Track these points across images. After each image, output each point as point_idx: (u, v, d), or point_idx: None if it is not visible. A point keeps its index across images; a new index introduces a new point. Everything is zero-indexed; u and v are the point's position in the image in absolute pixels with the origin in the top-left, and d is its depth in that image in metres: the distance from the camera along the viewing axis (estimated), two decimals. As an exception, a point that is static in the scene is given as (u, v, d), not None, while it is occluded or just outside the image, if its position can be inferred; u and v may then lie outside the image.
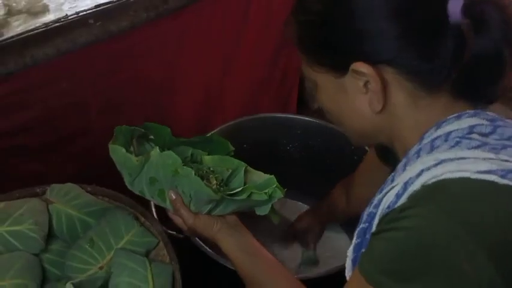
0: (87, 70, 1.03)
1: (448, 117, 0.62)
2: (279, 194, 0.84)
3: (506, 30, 0.60)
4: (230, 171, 0.88)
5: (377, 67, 0.62)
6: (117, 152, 0.83)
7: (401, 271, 0.54)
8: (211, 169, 0.87)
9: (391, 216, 0.58)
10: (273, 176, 0.87)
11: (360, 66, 0.62)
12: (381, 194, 0.63)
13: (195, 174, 0.77)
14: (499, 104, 0.67)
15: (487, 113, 0.63)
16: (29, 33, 0.92)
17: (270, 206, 0.85)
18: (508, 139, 0.59)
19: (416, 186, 0.57)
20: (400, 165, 0.63)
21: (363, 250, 0.64)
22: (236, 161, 0.90)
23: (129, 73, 1.10)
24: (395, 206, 0.58)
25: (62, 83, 1.00)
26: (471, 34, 0.58)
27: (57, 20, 0.95)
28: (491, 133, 0.60)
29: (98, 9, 0.99)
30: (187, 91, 1.25)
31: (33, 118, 1.00)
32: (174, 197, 0.81)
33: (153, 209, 0.99)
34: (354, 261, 0.65)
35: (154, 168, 0.79)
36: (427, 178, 0.56)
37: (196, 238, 0.96)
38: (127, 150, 0.82)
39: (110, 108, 1.11)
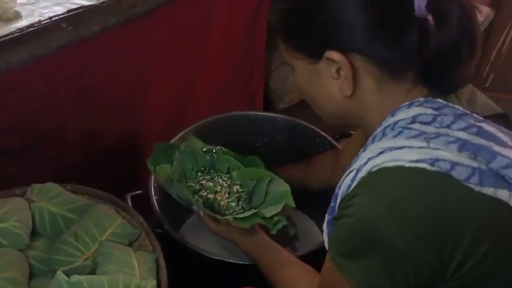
0: (60, 73, 1.06)
1: (401, 105, 0.68)
2: (282, 223, 0.96)
3: (466, 25, 0.65)
4: (254, 182, 1.03)
5: (348, 55, 0.67)
6: (151, 169, 1.05)
7: (350, 251, 0.64)
8: (238, 182, 1.04)
9: (344, 204, 0.66)
10: (288, 189, 1.01)
11: (333, 54, 0.67)
12: (343, 177, 0.69)
13: (203, 204, 0.97)
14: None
15: (438, 100, 0.67)
16: (3, 39, 0.94)
17: (284, 224, 0.97)
18: (447, 127, 0.65)
19: (363, 173, 0.64)
20: (361, 150, 0.70)
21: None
22: (261, 172, 1.06)
23: (101, 75, 1.13)
24: (350, 190, 0.66)
25: (36, 86, 1.03)
26: (434, 28, 0.63)
27: (31, 25, 0.97)
28: (431, 122, 0.65)
29: (70, 14, 1.02)
30: (158, 92, 1.29)
31: (9, 121, 1.02)
32: (197, 209, 1.00)
33: (130, 205, 1.04)
34: (329, 234, 0.72)
35: (177, 191, 1.00)
36: (371, 166, 0.63)
37: (174, 231, 1.04)
38: (161, 164, 1.04)
39: (83, 110, 1.14)
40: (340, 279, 0.64)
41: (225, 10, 1.36)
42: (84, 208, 0.93)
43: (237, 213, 0.98)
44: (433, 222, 0.60)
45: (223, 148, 1.10)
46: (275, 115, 1.34)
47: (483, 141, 0.63)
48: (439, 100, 0.68)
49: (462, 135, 0.64)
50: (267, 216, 0.97)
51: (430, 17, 0.64)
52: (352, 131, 1.18)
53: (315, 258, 0.85)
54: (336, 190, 0.70)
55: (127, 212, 0.96)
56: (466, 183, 0.60)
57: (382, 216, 0.60)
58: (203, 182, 1.04)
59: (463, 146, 0.62)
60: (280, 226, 0.96)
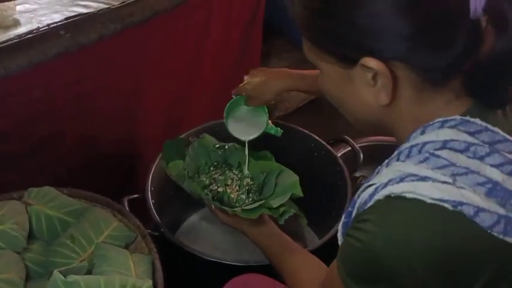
0: (58, 79, 1.08)
1: (435, 121, 0.62)
2: (289, 213, 0.99)
3: None
4: (265, 174, 1.07)
5: (389, 63, 0.60)
6: (163, 165, 1.09)
7: (358, 275, 0.62)
8: (248, 175, 1.08)
9: (355, 224, 0.63)
10: (296, 179, 1.04)
11: (370, 62, 0.60)
12: (364, 186, 0.65)
13: (213, 198, 1.00)
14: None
15: (476, 121, 0.61)
16: (2, 45, 0.96)
17: (291, 214, 1.00)
18: (480, 159, 0.59)
19: (380, 195, 0.60)
20: (385, 162, 0.66)
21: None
22: (271, 164, 1.09)
23: (99, 82, 1.15)
24: (367, 206, 0.62)
25: (34, 91, 1.05)
26: (491, 32, 0.57)
27: (30, 32, 0.99)
28: (463, 151, 0.59)
29: (68, 21, 1.04)
30: (155, 98, 1.31)
31: (8, 126, 1.03)
32: (208, 204, 1.00)
33: (127, 208, 1.05)
34: (343, 235, 0.70)
35: (189, 187, 1.04)
36: (389, 191, 0.59)
37: (170, 234, 1.06)
38: (173, 159, 1.08)
39: (81, 115, 1.16)
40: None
41: (220, 19, 1.38)
42: (81, 211, 0.94)
43: (246, 205, 1.00)
44: (445, 260, 0.57)
45: (235, 144, 1.14)
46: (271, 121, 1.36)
47: None
48: (478, 121, 0.60)
49: (495, 174, 0.58)
50: (274, 206, 0.99)
51: (486, 20, 0.58)
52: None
53: (323, 253, 0.88)
54: (355, 197, 0.67)
55: (123, 215, 0.97)
56: (489, 231, 0.56)
57: (389, 250, 0.57)
58: (215, 176, 1.08)
59: (492, 190, 0.57)
60: (287, 216, 0.98)
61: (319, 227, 1.26)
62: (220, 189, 1.05)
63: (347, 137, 1.33)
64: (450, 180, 0.57)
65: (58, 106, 1.09)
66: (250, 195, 1.05)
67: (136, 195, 1.13)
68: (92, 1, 1.12)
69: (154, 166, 1.17)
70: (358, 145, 1.35)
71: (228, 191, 1.05)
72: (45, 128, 1.09)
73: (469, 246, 0.57)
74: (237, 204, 1.02)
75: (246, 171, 1.10)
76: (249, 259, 1.17)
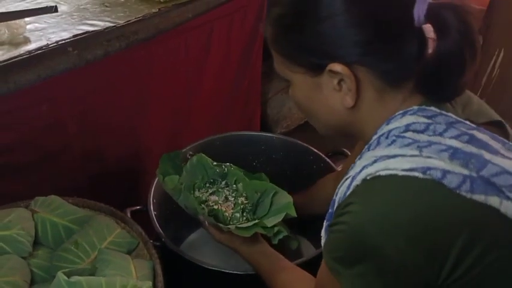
0: (65, 94, 1.13)
1: (396, 114, 0.68)
2: (283, 233, 1.01)
3: (465, 31, 0.65)
4: (259, 194, 1.09)
5: (351, 67, 0.67)
6: (160, 179, 1.10)
7: (345, 258, 0.65)
8: (243, 194, 1.10)
9: (338, 211, 0.67)
10: (291, 200, 1.07)
11: (336, 67, 0.67)
12: (340, 184, 0.70)
13: (210, 212, 1.02)
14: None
15: (431, 108, 0.68)
16: (13, 61, 1.01)
17: (285, 234, 1.02)
18: (439, 135, 0.65)
19: (358, 181, 0.65)
20: (357, 158, 0.71)
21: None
22: (266, 184, 1.11)
23: (104, 97, 1.20)
24: (346, 196, 0.66)
25: (42, 106, 1.09)
26: (434, 36, 0.64)
27: (39, 48, 1.04)
28: (424, 130, 0.66)
29: (76, 38, 1.09)
30: (157, 114, 1.35)
31: (16, 139, 1.07)
32: (202, 219, 1.03)
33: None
34: (326, 234, 0.73)
35: (184, 201, 1.05)
36: (366, 174, 0.64)
37: (172, 244, 1.07)
38: (169, 174, 1.09)
39: (86, 130, 1.20)
40: (336, 285, 0.66)
41: (222, 37, 1.44)
42: (85, 219, 0.96)
43: (240, 224, 1.02)
44: (423, 228, 0.60)
45: (232, 165, 1.17)
46: (270, 135, 1.39)
47: (474, 149, 0.64)
48: (433, 108, 0.68)
49: (454, 143, 0.64)
50: (269, 226, 1.01)
51: (429, 26, 0.65)
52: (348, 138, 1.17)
53: (313, 266, 0.87)
54: (334, 197, 0.71)
55: (126, 223, 1.00)
56: (458, 191, 0.61)
57: (373, 223, 0.61)
58: (210, 192, 1.10)
59: (454, 154, 0.63)
60: (281, 236, 1.00)
61: (316, 236, 1.28)
62: (215, 206, 1.07)
63: (345, 150, 1.36)
64: (417, 153, 0.63)
65: (64, 120, 1.14)
66: (244, 214, 1.07)
67: (138, 207, 1.16)
68: (99, 20, 1.17)
69: (156, 179, 1.20)
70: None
71: (223, 208, 1.07)
72: (52, 141, 1.13)
73: (442, 209, 0.61)
74: (231, 222, 1.05)
75: (241, 189, 1.13)
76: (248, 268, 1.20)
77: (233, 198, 1.10)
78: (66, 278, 0.75)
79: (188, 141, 1.33)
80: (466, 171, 0.62)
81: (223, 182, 1.15)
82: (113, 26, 1.16)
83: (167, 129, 1.40)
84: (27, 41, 1.08)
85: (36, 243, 0.93)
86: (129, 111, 1.28)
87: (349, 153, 1.39)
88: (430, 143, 0.64)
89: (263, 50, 1.71)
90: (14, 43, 1.07)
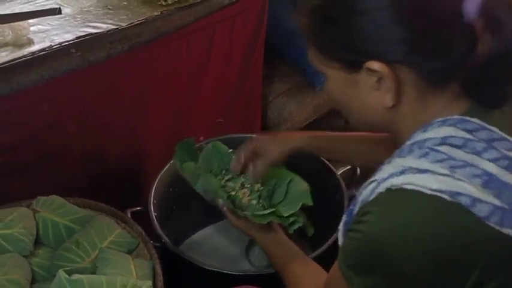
0: (67, 95, 1.14)
1: (435, 120, 0.64)
2: (299, 223, 1.00)
3: None
4: (275, 180, 1.08)
5: (392, 66, 0.62)
6: (178, 165, 1.10)
7: (358, 266, 0.63)
8: (259, 181, 1.07)
9: (357, 218, 0.65)
10: (307, 188, 1.06)
11: (374, 65, 0.62)
12: (366, 183, 0.67)
13: (227, 197, 1.02)
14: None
15: (474, 120, 0.63)
16: (16, 61, 1.02)
17: (300, 225, 1.01)
18: (477, 154, 0.61)
19: (382, 188, 0.62)
20: (387, 159, 0.68)
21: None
22: (281, 171, 1.09)
23: (105, 99, 1.21)
24: (369, 199, 0.64)
25: (44, 106, 1.10)
26: (486, 34, 0.59)
27: (42, 50, 1.06)
28: (461, 146, 0.61)
29: (79, 40, 1.10)
30: (158, 115, 1.36)
31: (16, 138, 1.08)
32: (221, 203, 1.02)
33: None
34: (344, 234, 0.72)
35: (204, 184, 1.05)
36: (390, 184, 0.61)
37: (172, 244, 1.08)
38: (186, 161, 1.09)
39: (87, 130, 1.21)
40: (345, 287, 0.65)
41: (223, 40, 1.45)
42: (86, 219, 0.97)
43: (257, 211, 1.02)
44: (444, 246, 0.58)
45: None
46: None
47: (511, 178, 0.60)
48: (475, 120, 0.63)
49: (491, 167, 0.60)
50: (285, 215, 1.01)
51: (480, 23, 0.60)
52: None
53: (325, 260, 0.89)
54: (357, 195, 0.69)
55: (126, 223, 1.01)
56: (486, 221, 0.58)
57: (390, 234, 0.59)
58: (226, 179, 1.09)
59: (488, 182, 0.59)
60: (296, 226, 1.00)
61: (315, 240, 1.29)
62: (232, 193, 1.07)
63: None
64: (448, 173, 0.59)
65: (65, 121, 1.15)
66: (261, 201, 1.06)
67: (139, 208, 1.17)
68: (102, 22, 1.19)
69: (157, 179, 1.21)
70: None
71: (240, 195, 1.06)
72: (52, 142, 1.14)
73: (465, 235, 0.58)
74: (248, 209, 1.04)
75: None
76: (248, 269, 1.20)
77: (249, 185, 1.08)
78: (67, 276, 0.76)
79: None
80: (498, 202, 0.58)
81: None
82: (116, 29, 1.17)
83: (168, 131, 1.41)
84: (30, 42, 1.10)
85: (38, 242, 0.94)
86: (130, 112, 1.29)
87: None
88: (465, 164, 0.60)
89: (264, 53, 1.72)
90: (18, 44, 1.08)
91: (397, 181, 0.61)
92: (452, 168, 0.60)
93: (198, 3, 1.31)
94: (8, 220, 0.90)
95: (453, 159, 0.61)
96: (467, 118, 0.63)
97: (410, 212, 0.60)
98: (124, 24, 1.19)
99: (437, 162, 0.61)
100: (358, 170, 1.34)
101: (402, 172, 0.61)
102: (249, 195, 1.06)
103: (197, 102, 1.46)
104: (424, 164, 0.61)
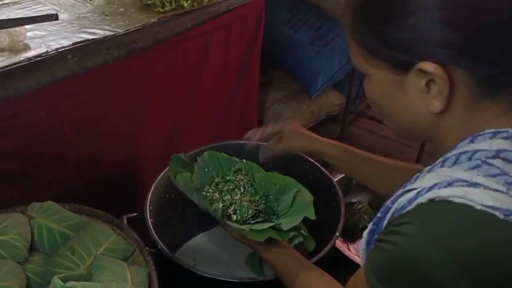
0: (63, 101, 1.14)
1: (486, 131, 0.60)
2: (299, 238, 0.97)
3: None
4: (278, 186, 1.06)
5: (446, 67, 0.58)
6: (172, 178, 1.09)
7: (389, 281, 0.59)
8: (261, 190, 1.06)
9: (391, 228, 0.59)
10: (311, 199, 1.02)
11: (428, 66, 0.59)
12: (400, 192, 0.63)
13: (222, 213, 1.00)
14: None
15: None
16: (13, 67, 1.02)
17: (300, 240, 0.98)
18: None
19: (424, 199, 0.57)
20: (427, 168, 0.64)
21: (375, 236, 0.67)
22: (286, 179, 1.07)
23: (102, 105, 1.21)
24: (404, 209, 0.59)
25: (40, 112, 1.10)
26: None
27: (39, 55, 1.06)
28: None
29: (75, 46, 1.10)
30: (155, 122, 1.36)
31: (13, 145, 1.08)
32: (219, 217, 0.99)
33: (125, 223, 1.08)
34: (368, 243, 0.69)
35: (197, 200, 1.04)
36: (435, 195, 0.56)
37: (168, 251, 1.07)
38: (181, 172, 1.08)
39: (83, 137, 1.21)
40: None
41: (220, 47, 1.46)
42: (81, 225, 0.97)
43: (256, 224, 0.98)
44: (489, 273, 0.54)
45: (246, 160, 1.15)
46: (267, 144, 1.40)
47: None
48: None
49: None
50: (285, 229, 0.96)
51: None
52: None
53: (321, 268, 0.89)
54: (388, 203, 0.64)
55: (122, 230, 1.00)
56: None
57: (430, 254, 0.54)
58: (227, 188, 1.07)
59: None
60: (296, 242, 0.97)
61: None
62: (230, 209, 1.03)
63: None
64: (503, 189, 0.55)
65: (62, 127, 1.15)
66: (261, 215, 1.02)
67: (135, 214, 1.16)
68: (99, 28, 1.19)
69: (153, 186, 1.20)
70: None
71: (240, 203, 1.02)
72: (49, 148, 1.14)
73: None
74: (248, 222, 1.00)
75: (258, 182, 1.08)
76: (244, 277, 1.20)
77: (249, 195, 1.05)
78: (62, 283, 0.75)
79: (185, 149, 1.33)
80: None
81: (240, 175, 1.10)
82: (113, 35, 1.17)
83: (164, 137, 1.41)
84: (27, 48, 1.09)
85: (32, 248, 0.93)
86: (127, 119, 1.29)
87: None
88: None
89: (261, 60, 1.73)
90: (14, 50, 1.08)
91: (443, 193, 0.56)
92: (508, 184, 0.56)
93: (195, 10, 1.32)
94: (3, 226, 0.89)
95: (507, 174, 0.57)
96: None
97: (455, 227, 0.55)
98: (121, 31, 1.19)
99: (491, 177, 0.56)
100: (355, 177, 1.34)
101: (449, 184, 0.57)
102: (247, 206, 1.03)
103: (194, 109, 1.46)
104: (475, 177, 0.57)
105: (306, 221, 1.14)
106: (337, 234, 1.10)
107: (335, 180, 1.33)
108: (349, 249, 1.34)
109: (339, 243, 1.32)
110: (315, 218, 0.99)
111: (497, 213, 0.54)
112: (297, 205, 1.03)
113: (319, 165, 1.32)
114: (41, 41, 1.13)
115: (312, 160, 1.33)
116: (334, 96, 2.28)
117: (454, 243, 0.54)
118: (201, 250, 1.37)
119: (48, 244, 0.94)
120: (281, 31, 2.21)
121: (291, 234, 0.96)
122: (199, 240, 1.39)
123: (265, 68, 1.94)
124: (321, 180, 1.31)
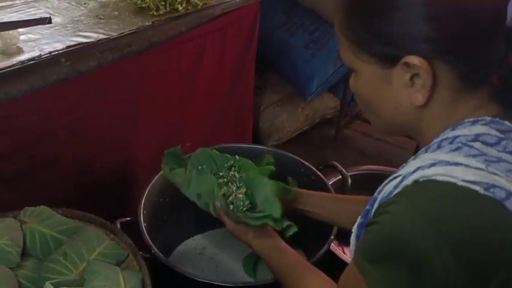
0: (56, 105, 1.13)
1: (465, 121, 0.63)
2: (293, 230, 0.96)
3: None
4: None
5: (431, 62, 0.61)
6: (166, 172, 1.08)
7: (377, 258, 0.60)
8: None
9: (379, 210, 0.61)
10: (270, 193, 0.98)
11: (414, 60, 0.61)
12: (386, 181, 0.65)
13: (223, 194, 0.99)
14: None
15: (505, 122, 0.62)
16: (6, 70, 1.02)
17: (295, 230, 0.96)
18: (510, 153, 0.60)
19: (409, 181, 0.60)
20: (412, 157, 0.66)
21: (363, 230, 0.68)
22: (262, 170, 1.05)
23: (96, 108, 1.20)
24: (390, 196, 0.61)
25: (33, 116, 1.09)
26: None
27: (32, 59, 1.05)
28: (494, 144, 0.60)
29: (69, 50, 1.10)
30: (150, 125, 1.36)
31: (5, 148, 1.07)
32: (218, 206, 0.99)
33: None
34: (357, 238, 0.70)
35: (199, 186, 1.02)
36: (419, 176, 0.59)
37: (161, 255, 1.06)
38: (174, 169, 1.06)
39: (77, 140, 1.20)
40: (361, 285, 0.61)
41: (215, 50, 1.45)
42: (74, 230, 0.96)
43: (251, 215, 0.98)
44: (473, 241, 0.56)
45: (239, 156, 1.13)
46: (261, 147, 1.40)
47: None
48: (507, 123, 0.63)
49: None
50: (276, 216, 0.95)
51: None
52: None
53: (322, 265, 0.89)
54: (375, 194, 0.67)
55: (115, 234, 0.99)
56: None
57: (418, 229, 0.56)
58: (221, 182, 1.05)
59: None
60: (292, 232, 0.96)
61: (306, 250, 1.28)
62: (227, 195, 1.02)
63: (335, 163, 1.37)
64: (483, 166, 0.58)
65: (55, 130, 1.14)
66: (256, 209, 1.00)
67: (128, 218, 1.15)
68: (92, 32, 1.18)
69: (147, 190, 1.20)
70: (348, 174, 1.39)
71: (233, 199, 1.01)
72: (42, 151, 1.13)
73: (497, 230, 0.56)
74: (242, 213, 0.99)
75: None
76: (238, 281, 1.19)
77: (244, 190, 1.03)
78: (53, 288, 0.74)
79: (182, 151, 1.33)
80: None
81: (233, 171, 1.09)
82: (106, 38, 1.17)
83: (159, 141, 1.40)
84: (20, 51, 1.09)
85: (25, 254, 0.92)
86: (121, 122, 1.28)
87: (339, 167, 1.40)
88: (499, 160, 0.59)
89: (256, 64, 1.73)
90: (7, 53, 1.08)
91: (427, 172, 0.59)
92: (487, 162, 0.59)
93: (190, 14, 1.32)
94: (-6, 231, 0.89)
95: (486, 154, 0.59)
96: (498, 120, 0.63)
97: (439, 202, 0.57)
98: (115, 34, 1.19)
99: (471, 157, 0.59)
100: (349, 180, 1.34)
101: (432, 165, 0.60)
102: (243, 198, 1.01)
103: (188, 112, 1.46)
104: (456, 157, 0.59)
105: (301, 223, 1.13)
106: (332, 237, 1.10)
107: (330, 183, 1.33)
108: (344, 253, 1.34)
109: (334, 247, 1.32)
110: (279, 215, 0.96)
111: (477, 187, 0.57)
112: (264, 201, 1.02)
113: (313, 168, 1.32)
114: (34, 44, 1.12)
115: (306, 163, 1.33)
116: (329, 99, 2.29)
117: (437, 218, 0.56)
118: (195, 254, 1.36)
119: (40, 249, 0.93)
120: (276, 34, 2.21)
121: (285, 223, 0.96)
122: (194, 244, 1.38)
123: (260, 71, 1.94)
124: (315, 183, 1.31)
